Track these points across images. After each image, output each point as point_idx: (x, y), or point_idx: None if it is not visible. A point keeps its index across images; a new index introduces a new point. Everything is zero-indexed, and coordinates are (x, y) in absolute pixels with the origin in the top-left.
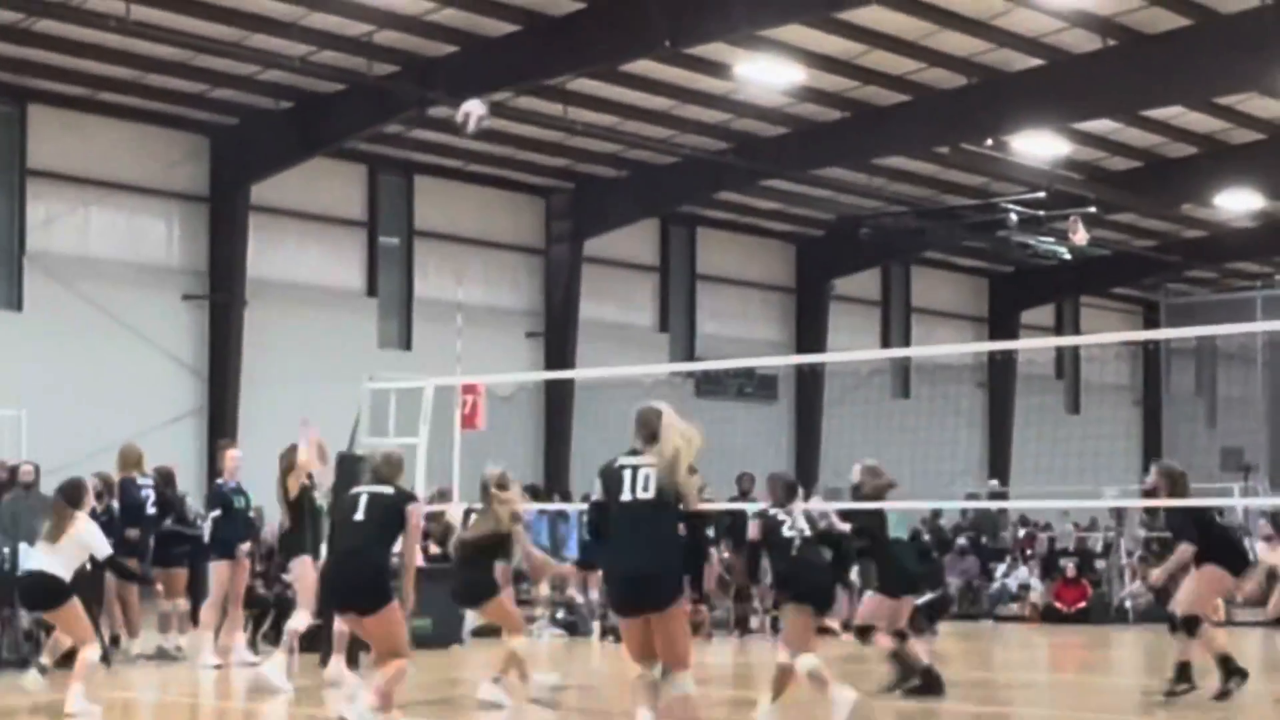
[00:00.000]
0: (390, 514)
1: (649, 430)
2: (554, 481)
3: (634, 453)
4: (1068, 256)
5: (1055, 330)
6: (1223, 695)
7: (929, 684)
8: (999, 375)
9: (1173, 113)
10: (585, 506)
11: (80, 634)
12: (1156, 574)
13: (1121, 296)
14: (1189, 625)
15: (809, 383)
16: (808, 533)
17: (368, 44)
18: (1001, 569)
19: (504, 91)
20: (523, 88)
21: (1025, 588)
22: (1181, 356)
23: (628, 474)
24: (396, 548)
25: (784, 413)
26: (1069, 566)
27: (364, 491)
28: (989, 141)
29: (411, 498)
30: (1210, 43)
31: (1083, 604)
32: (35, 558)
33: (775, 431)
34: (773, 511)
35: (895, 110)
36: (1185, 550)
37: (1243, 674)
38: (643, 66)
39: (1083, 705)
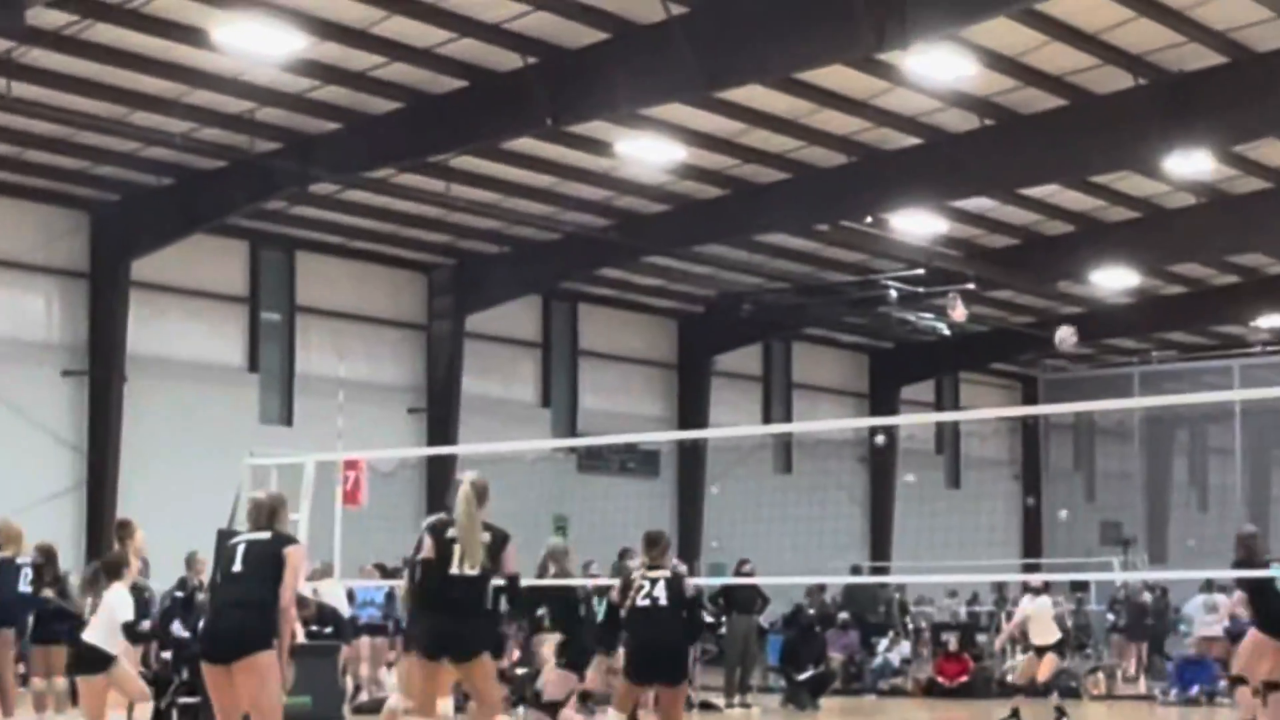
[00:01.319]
0: (267, 560)
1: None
2: None
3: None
4: (947, 333)
5: (935, 405)
6: None
7: None
8: (880, 450)
9: (1049, 191)
10: None
11: (132, 692)
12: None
13: (1000, 372)
14: (1235, 683)
15: (691, 458)
16: (663, 601)
17: (249, 121)
18: (883, 644)
19: (386, 168)
20: (405, 165)
21: (907, 662)
22: (1060, 432)
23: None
24: None
25: (666, 488)
26: (951, 641)
27: (241, 540)
28: (869, 219)
29: (290, 540)
30: (1085, 123)
31: (964, 678)
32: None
33: (657, 507)
34: (636, 573)
35: (776, 188)
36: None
37: None
38: (525, 144)
39: None
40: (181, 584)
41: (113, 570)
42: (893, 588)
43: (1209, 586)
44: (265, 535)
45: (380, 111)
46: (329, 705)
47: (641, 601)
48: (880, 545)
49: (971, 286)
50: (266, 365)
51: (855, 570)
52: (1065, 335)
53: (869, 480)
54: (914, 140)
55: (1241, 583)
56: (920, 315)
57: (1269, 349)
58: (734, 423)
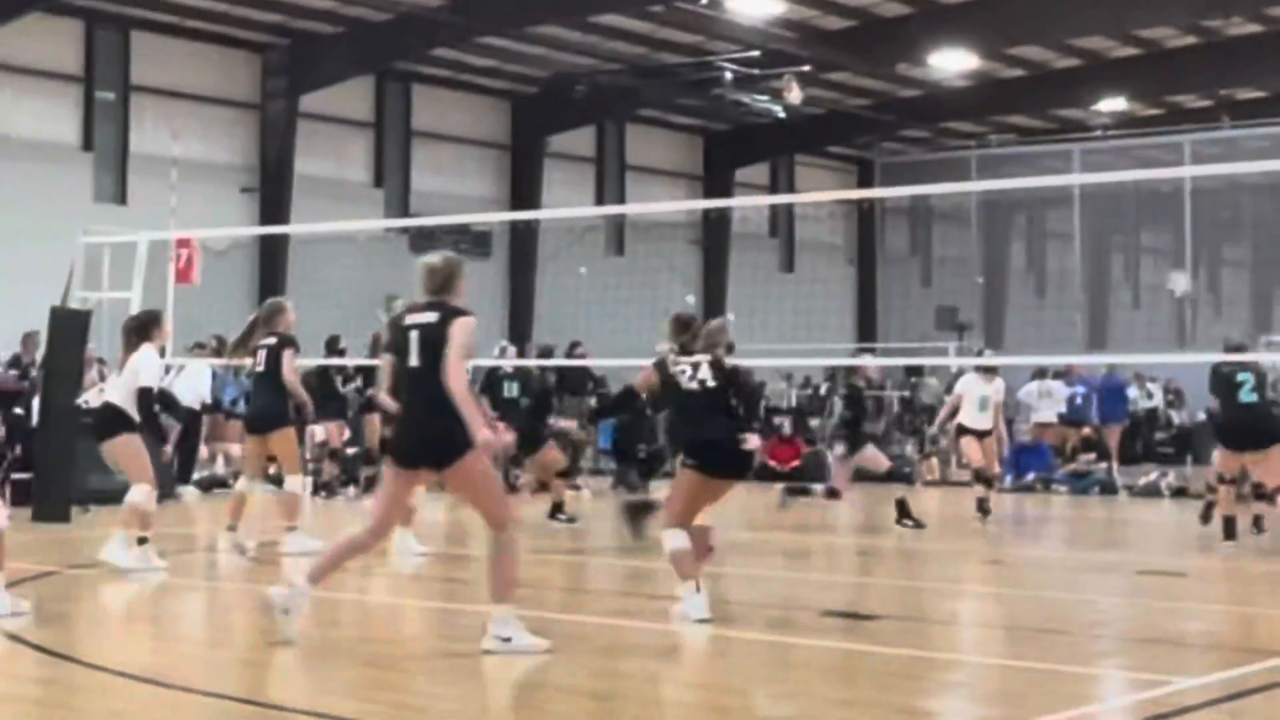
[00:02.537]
0: (438, 343)
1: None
2: None
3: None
4: (782, 115)
5: (770, 189)
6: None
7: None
8: (713, 233)
9: None
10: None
11: (135, 471)
12: None
13: (836, 155)
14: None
15: (523, 239)
16: (711, 384)
17: None
18: None
19: None
20: None
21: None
22: (896, 216)
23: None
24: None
25: (499, 269)
26: (784, 425)
27: (414, 324)
28: None
29: (459, 312)
30: None
31: (796, 462)
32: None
33: (490, 287)
34: (671, 357)
35: None
36: None
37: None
38: None
39: (796, 565)
40: (15, 361)
41: (143, 330)
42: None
43: (1043, 373)
44: (432, 316)
45: None
46: (161, 483)
47: (689, 385)
48: None
49: (807, 69)
50: (101, 144)
51: None
52: (1179, 282)
53: (702, 263)
54: None
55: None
56: (755, 98)
57: (1109, 133)
58: (567, 204)
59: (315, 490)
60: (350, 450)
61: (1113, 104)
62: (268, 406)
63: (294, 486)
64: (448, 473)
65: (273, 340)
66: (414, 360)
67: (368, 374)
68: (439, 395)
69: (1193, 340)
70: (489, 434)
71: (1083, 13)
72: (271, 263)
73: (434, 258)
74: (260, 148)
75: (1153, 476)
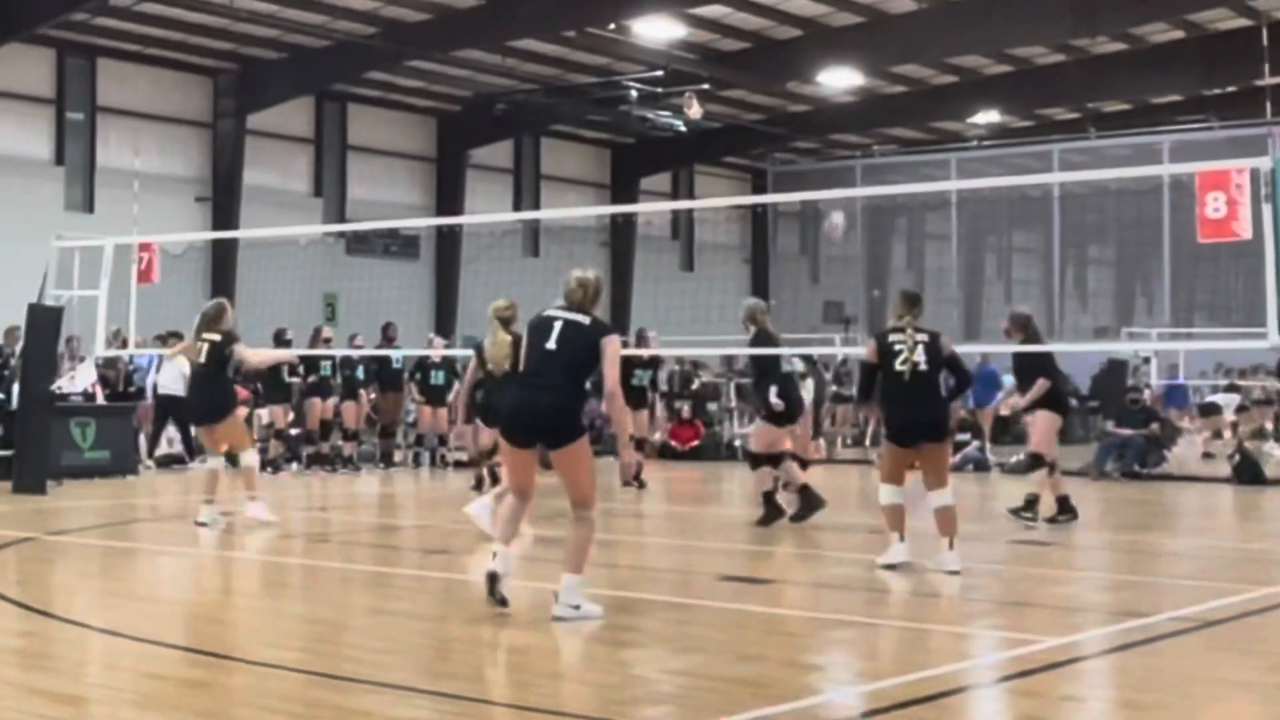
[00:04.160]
0: (582, 343)
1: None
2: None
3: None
4: (683, 129)
5: (671, 195)
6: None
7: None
8: (620, 236)
9: None
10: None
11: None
12: (1018, 402)
13: (732, 165)
14: (1036, 462)
15: (448, 243)
16: (923, 366)
17: None
18: None
19: None
20: None
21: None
22: (787, 219)
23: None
24: None
25: (426, 269)
26: (684, 408)
27: (560, 317)
28: (612, 25)
29: (611, 328)
30: None
31: (696, 443)
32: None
33: (418, 286)
34: (892, 337)
35: None
36: (1043, 384)
37: (1074, 513)
38: None
39: (703, 533)
40: None
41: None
42: (673, 361)
43: None
44: (585, 319)
45: None
46: (125, 460)
47: (900, 366)
48: (619, 322)
49: (706, 86)
50: (71, 159)
51: None
52: (836, 222)
53: (610, 263)
54: None
55: (1025, 366)
56: (658, 113)
57: (984, 143)
58: (487, 211)
59: (262, 467)
60: (294, 431)
61: (987, 116)
62: (210, 399)
63: (249, 460)
64: (562, 451)
65: (216, 338)
66: (551, 344)
67: (308, 364)
68: (565, 381)
69: (1060, 332)
70: (633, 455)
71: (959, 33)
72: (222, 264)
73: (587, 272)
74: (212, 162)
75: (1022, 455)
